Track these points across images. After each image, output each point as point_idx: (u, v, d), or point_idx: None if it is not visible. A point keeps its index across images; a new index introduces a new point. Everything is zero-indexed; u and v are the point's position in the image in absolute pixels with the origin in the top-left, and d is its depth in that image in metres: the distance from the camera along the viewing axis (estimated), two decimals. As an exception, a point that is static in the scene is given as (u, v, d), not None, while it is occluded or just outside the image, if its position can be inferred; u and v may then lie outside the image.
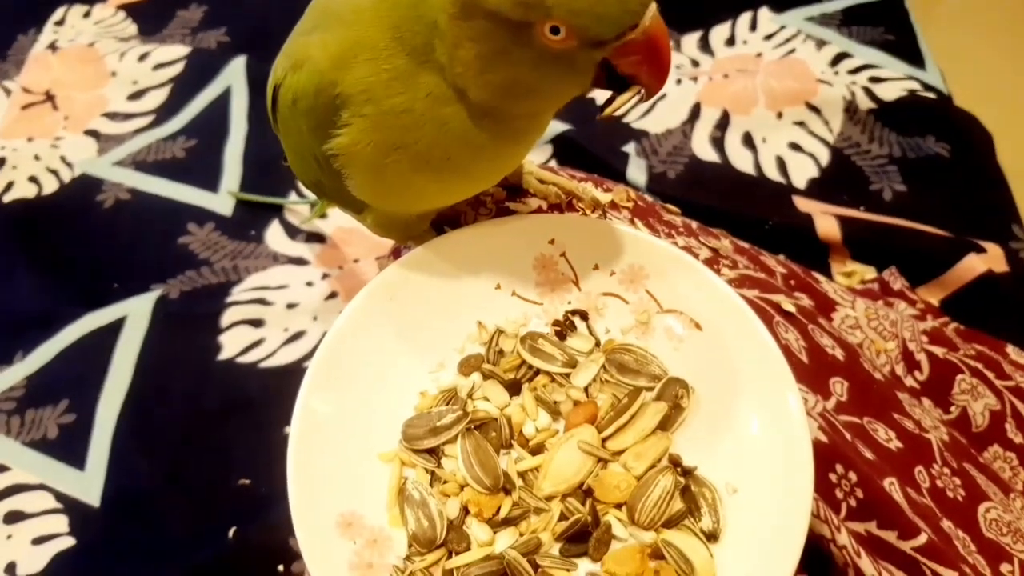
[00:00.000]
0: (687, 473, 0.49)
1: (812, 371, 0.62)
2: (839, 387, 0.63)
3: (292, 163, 0.56)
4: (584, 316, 0.55)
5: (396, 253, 0.65)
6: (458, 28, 0.40)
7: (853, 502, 0.54)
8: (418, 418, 0.51)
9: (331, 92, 0.45)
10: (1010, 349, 0.84)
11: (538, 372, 0.53)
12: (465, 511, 0.49)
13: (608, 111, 0.44)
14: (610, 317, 0.55)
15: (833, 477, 0.55)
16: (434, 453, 0.50)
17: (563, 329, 0.54)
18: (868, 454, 0.58)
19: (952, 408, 0.76)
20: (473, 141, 0.45)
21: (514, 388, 0.52)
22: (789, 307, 0.66)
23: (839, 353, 0.65)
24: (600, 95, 0.43)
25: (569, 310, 0.55)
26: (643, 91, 0.43)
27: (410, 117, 0.44)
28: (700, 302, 0.53)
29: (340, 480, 0.48)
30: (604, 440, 0.50)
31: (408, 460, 0.50)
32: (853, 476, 0.55)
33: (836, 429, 0.57)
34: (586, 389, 0.52)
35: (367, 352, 0.52)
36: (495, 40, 0.40)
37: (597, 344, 0.54)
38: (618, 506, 0.49)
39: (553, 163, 1.02)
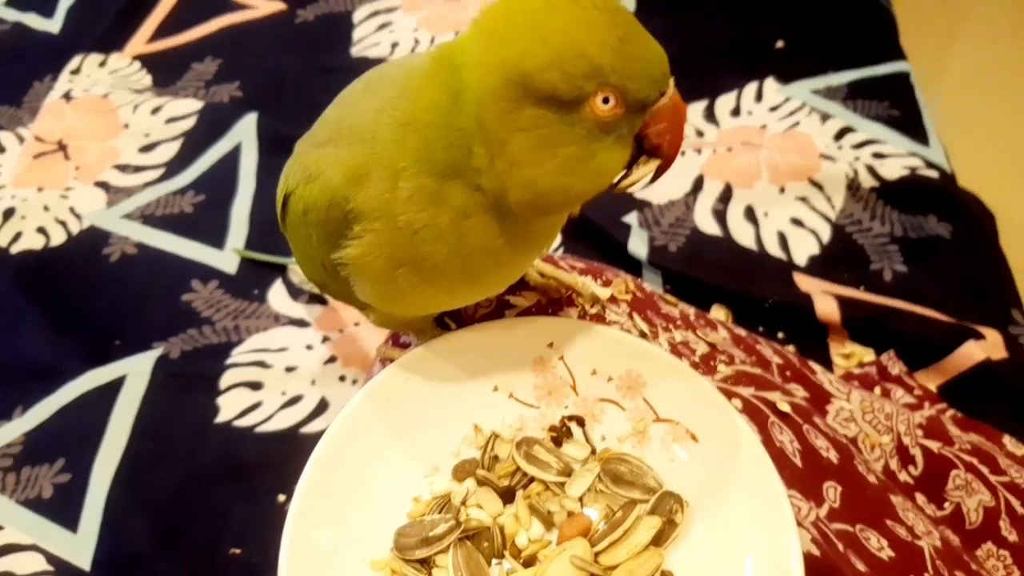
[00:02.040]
0: (678, 592, 0.49)
1: (806, 475, 0.62)
2: (832, 492, 0.63)
3: (298, 262, 0.56)
4: (581, 422, 0.55)
5: (394, 338, 0.66)
6: (507, 122, 0.41)
7: (844, 619, 0.54)
8: (410, 527, 0.51)
9: (343, 207, 0.46)
10: (1007, 440, 0.84)
11: (533, 479, 0.53)
12: (454, 625, 0.49)
13: (625, 183, 0.47)
14: (607, 424, 0.55)
15: (824, 592, 0.55)
16: (426, 564, 0.50)
17: (559, 435, 0.55)
18: (860, 566, 0.58)
19: (946, 504, 0.76)
20: (491, 250, 0.46)
21: (508, 496, 0.53)
22: (784, 407, 0.66)
23: (833, 455, 0.65)
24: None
25: (566, 415, 0.56)
26: (660, 164, 0.46)
27: (429, 232, 0.45)
28: (697, 413, 0.54)
29: (331, 588, 0.49)
30: (597, 554, 0.50)
31: (399, 570, 0.50)
32: (844, 591, 0.55)
33: (829, 540, 0.58)
34: (580, 499, 0.52)
35: (362, 455, 0.52)
36: (545, 125, 0.42)
37: (593, 452, 0.54)
38: (608, 625, 0.49)
39: (558, 243, 1.03)
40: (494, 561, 0.50)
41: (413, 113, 0.44)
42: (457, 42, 0.43)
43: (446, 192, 0.44)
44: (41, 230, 1.07)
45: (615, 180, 0.46)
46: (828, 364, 0.92)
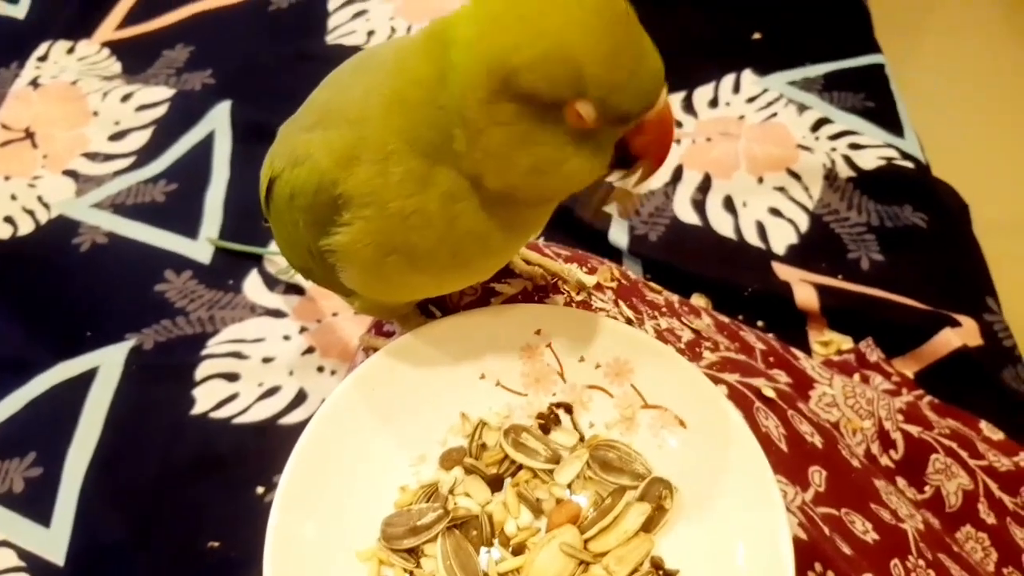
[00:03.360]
0: (668, 577, 0.49)
1: (791, 460, 0.62)
2: (817, 476, 0.63)
3: (281, 249, 0.55)
4: (569, 409, 0.55)
5: (377, 327, 0.65)
6: (486, 113, 0.40)
7: (831, 603, 0.54)
8: (397, 516, 0.50)
9: (332, 192, 0.44)
10: (983, 425, 0.85)
11: (521, 467, 0.53)
12: (443, 615, 0.48)
13: (597, 203, 0.45)
14: (595, 411, 0.55)
15: (812, 576, 0.55)
16: (413, 553, 0.49)
17: (547, 423, 0.54)
18: (846, 548, 0.58)
19: (926, 488, 0.76)
20: (480, 235, 0.45)
21: (496, 484, 0.52)
22: (769, 392, 0.66)
23: (818, 440, 0.65)
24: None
25: (554, 403, 0.55)
26: (640, 173, 0.44)
27: (419, 217, 0.44)
28: (685, 399, 0.53)
29: (317, 578, 0.48)
30: (586, 541, 0.50)
31: (386, 560, 0.49)
32: (831, 575, 0.55)
33: (815, 523, 0.58)
34: (569, 486, 0.52)
35: (348, 444, 0.51)
36: (523, 123, 0.40)
37: (581, 439, 0.54)
38: (599, 611, 0.48)
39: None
40: (483, 549, 0.50)
41: (402, 90, 0.43)
42: (453, 16, 0.41)
43: (434, 175, 0.43)
44: (8, 219, 1.05)
45: (596, 182, 0.45)
46: (807, 352, 0.92)
